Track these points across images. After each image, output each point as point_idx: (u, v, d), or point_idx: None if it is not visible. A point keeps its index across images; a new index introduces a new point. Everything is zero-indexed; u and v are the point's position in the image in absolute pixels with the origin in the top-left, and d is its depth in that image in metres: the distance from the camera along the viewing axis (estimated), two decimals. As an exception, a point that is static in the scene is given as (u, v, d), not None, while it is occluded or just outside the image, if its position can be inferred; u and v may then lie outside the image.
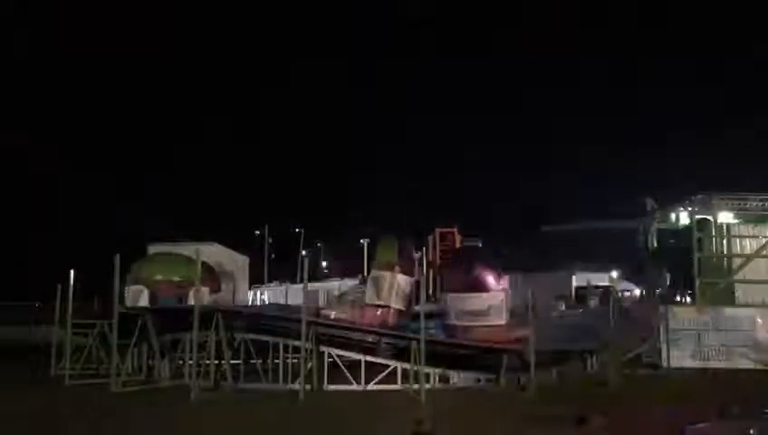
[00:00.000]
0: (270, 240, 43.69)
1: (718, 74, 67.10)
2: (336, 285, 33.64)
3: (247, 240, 38.69)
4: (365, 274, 20.11)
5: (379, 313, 15.20)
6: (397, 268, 15.40)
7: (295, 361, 14.52)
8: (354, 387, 13.70)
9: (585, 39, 75.34)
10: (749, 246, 19.82)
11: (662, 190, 23.44)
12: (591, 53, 76.68)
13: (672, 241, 21.21)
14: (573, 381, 15.29)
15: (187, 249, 23.60)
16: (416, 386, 13.58)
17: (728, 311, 18.05)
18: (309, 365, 14.04)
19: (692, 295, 19.49)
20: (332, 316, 15.56)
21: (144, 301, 16.59)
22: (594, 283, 26.84)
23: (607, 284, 22.38)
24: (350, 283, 31.09)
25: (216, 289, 18.20)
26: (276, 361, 14.16)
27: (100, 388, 13.88)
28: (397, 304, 15.29)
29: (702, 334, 17.73)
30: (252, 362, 14.70)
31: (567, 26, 76.62)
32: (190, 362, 14.99)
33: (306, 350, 13.70)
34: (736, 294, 19.30)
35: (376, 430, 10.09)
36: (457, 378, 14.48)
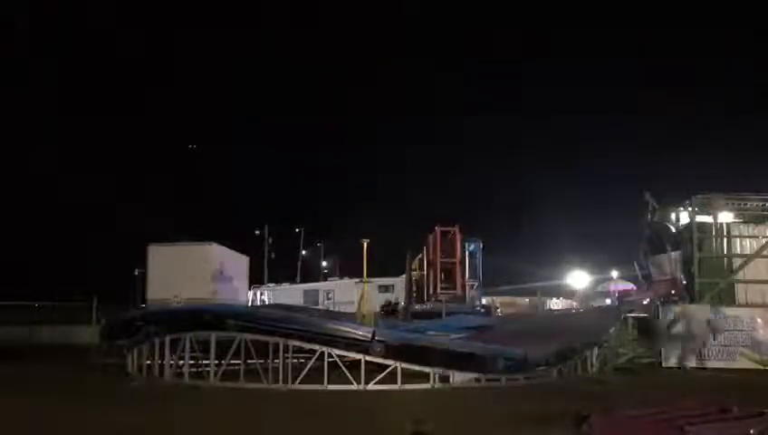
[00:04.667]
0: (270, 240, 43.71)
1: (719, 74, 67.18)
2: (335, 284, 33.71)
3: (247, 240, 38.74)
4: None
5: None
6: None
7: (295, 361, 14.54)
8: (354, 387, 13.69)
9: (585, 39, 75.33)
10: (749, 246, 19.81)
11: (662, 188, 23.43)
12: (592, 54, 76.71)
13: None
14: (573, 381, 15.30)
15: (186, 249, 23.74)
16: (416, 386, 13.61)
17: (728, 311, 18.08)
18: (309, 365, 14.10)
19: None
20: None
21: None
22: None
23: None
24: (348, 282, 31.15)
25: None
26: (276, 361, 14.15)
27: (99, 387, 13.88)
28: None
29: (702, 334, 17.75)
30: (252, 361, 14.69)
31: (566, 26, 76.63)
32: (191, 362, 15.03)
33: (307, 350, 13.73)
34: (736, 295, 19.31)
35: (376, 431, 10.08)
36: (457, 378, 14.45)
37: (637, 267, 23.68)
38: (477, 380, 14.51)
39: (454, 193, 69.55)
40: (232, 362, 14.65)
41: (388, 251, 30.97)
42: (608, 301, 29.96)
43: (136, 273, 28.80)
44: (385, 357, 13.98)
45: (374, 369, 14.01)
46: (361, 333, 14.40)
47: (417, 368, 14.05)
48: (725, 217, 20.25)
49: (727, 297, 19.06)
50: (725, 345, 17.64)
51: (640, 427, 6.35)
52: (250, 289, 31.34)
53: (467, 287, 26.70)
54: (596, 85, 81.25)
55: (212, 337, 14.49)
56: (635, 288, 26.54)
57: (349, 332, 14.38)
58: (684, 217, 21.02)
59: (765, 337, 17.67)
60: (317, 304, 29.45)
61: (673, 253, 20.90)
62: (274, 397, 13.14)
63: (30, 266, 43.41)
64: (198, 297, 20.56)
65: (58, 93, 67.31)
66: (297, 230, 48.10)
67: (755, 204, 20.13)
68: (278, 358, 14.09)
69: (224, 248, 25.28)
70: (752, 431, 6.08)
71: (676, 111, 67.78)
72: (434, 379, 14.02)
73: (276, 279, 39.02)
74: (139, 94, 71.91)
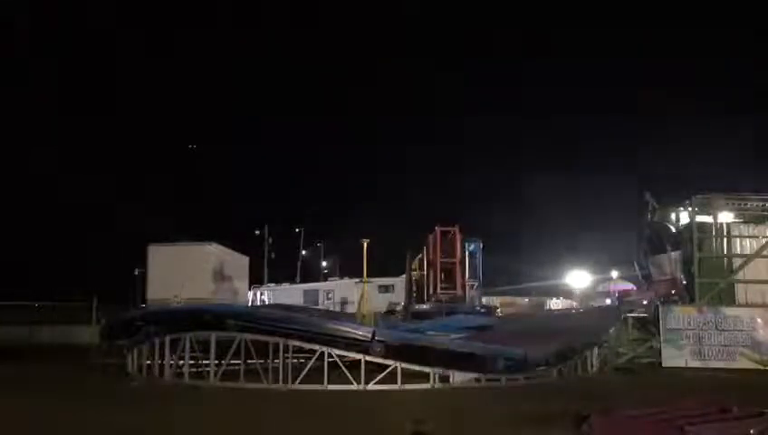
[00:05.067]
0: (270, 240, 43.64)
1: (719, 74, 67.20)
2: (335, 284, 33.70)
3: (247, 240, 38.70)
4: None
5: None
6: None
7: (295, 361, 14.53)
8: (354, 387, 13.68)
9: (585, 39, 75.34)
10: (749, 246, 19.80)
11: (662, 188, 23.42)
12: (592, 54, 76.73)
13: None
14: (573, 381, 15.30)
15: (186, 249, 23.75)
16: (416, 386, 13.60)
17: (728, 311, 18.07)
18: (309, 365, 14.10)
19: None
20: None
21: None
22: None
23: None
24: (348, 282, 31.16)
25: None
26: (276, 361, 14.15)
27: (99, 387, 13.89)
28: None
29: (702, 334, 17.76)
30: (252, 361, 14.69)
31: (566, 26, 76.65)
32: (191, 362, 15.03)
33: (307, 350, 13.72)
34: (736, 295, 19.29)
35: (376, 431, 10.08)
36: (457, 378, 14.45)
37: (637, 267, 23.66)
38: (477, 380, 14.50)
39: (454, 193, 69.55)
40: (232, 362, 14.65)
41: (388, 251, 30.99)
42: (608, 301, 29.99)
43: (136, 273, 28.82)
44: (385, 357, 13.98)
45: (374, 369, 14.01)
46: (361, 333, 14.40)
47: (417, 368, 14.05)
48: (725, 217, 20.23)
49: (727, 297, 19.04)
50: (725, 345, 17.64)
51: (640, 427, 6.35)
52: (250, 289, 31.34)
53: (467, 287, 26.71)
54: (596, 85, 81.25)
55: (212, 337, 14.49)
56: (635, 288, 26.54)
57: (349, 332, 14.38)
58: (684, 217, 20.99)
59: (765, 337, 17.67)
60: (317, 304, 29.44)
61: (673, 253, 20.88)
62: (274, 397, 13.14)
63: (30, 266, 43.41)
64: (198, 297, 20.56)
65: (58, 93, 67.31)
66: (297, 230, 48.04)
67: (755, 204, 20.11)
68: (278, 358, 14.09)
69: (224, 248, 25.28)
70: (752, 431, 6.08)
71: (676, 111, 67.70)
72: (434, 379, 14.01)
73: (276, 279, 38.97)
74: (139, 94, 71.84)
